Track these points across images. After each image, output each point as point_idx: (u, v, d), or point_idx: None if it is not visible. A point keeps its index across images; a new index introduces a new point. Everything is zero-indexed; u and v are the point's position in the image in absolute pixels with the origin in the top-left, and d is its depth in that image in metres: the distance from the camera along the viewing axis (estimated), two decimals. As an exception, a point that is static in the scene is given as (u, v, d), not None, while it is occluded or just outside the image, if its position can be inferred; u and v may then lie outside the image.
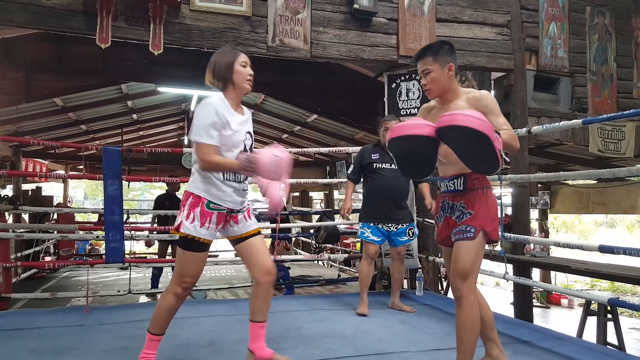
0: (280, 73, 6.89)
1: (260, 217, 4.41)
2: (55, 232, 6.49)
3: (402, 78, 4.66)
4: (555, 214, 12.46)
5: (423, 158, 1.93)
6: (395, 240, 3.65)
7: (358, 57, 4.26)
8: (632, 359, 2.55)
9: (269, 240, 6.02)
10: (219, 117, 2.03)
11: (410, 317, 3.37)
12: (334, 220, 5.89)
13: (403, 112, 4.62)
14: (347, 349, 2.58)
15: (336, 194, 12.69)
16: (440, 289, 5.14)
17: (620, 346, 3.34)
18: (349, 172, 3.89)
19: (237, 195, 2.12)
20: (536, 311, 7.41)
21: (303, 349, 2.56)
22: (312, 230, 6.93)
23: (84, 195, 27.34)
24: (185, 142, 10.87)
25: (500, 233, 3.06)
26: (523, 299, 4.40)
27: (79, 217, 11.17)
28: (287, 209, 7.42)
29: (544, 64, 5.01)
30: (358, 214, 3.95)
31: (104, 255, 3.94)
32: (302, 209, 10.53)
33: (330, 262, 9.04)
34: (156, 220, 6.08)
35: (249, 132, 2.19)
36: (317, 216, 8.24)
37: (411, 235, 3.70)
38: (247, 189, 2.21)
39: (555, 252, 5.40)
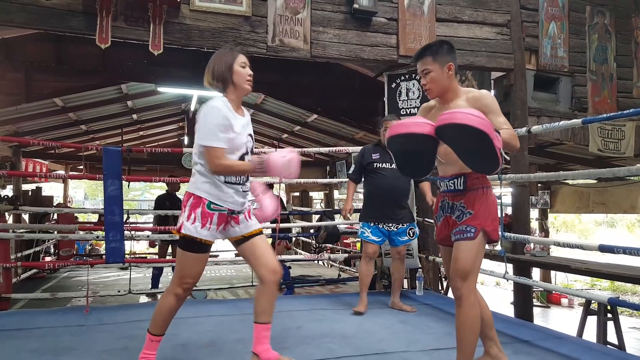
0: (280, 73, 6.90)
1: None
2: (55, 232, 6.49)
3: (402, 78, 4.67)
4: (556, 213, 12.46)
5: (422, 157, 1.93)
6: (396, 240, 3.65)
7: (358, 57, 4.26)
8: (632, 359, 2.55)
9: (269, 240, 6.02)
10: (225, 120, 2.04)
11: (410, 317, 3.38)
12: (334, 220, 5.89)
13: (403, 111, 4.63)
14: (347, 348, 2.58)
15: (336, 194, 12.69)
16: (440, 288, 5.14)
17: (621, 345, 3.34)
18: (350, 172, 3.90)
19: (238, 196, 2.11)
20: (536, 311, 7.41)
21: (303, 349, 2.56)
22: (312, 230, 6.93)
23: (84, 195, 27.34)
24: (185, 142, 10.87)
25: (500, 233, 3.06)
26: (523, 299, 4.40)
27: (79, 217, 11.17)
28: (287, 209, 7.43)
29: (543, 63, 5.01)
30: (359, 214, 3.96)
31: (104, 256, 3.95)
32: (302, 208, 10.53)
33: (331, 262, 9.04)
34: (153, 220, 6.09)
35: (250, 134, 2.20)
36: (317, 216, 8.25)
37: (411, 235, 3.70)
38: (247, 190, 2.20)
39: (555, 252, 5.40)
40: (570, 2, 5.20)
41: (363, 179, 3.77)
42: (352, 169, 3.87)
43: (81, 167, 11.48)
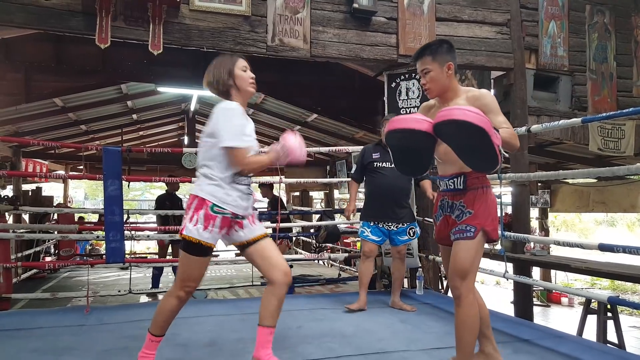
0: (280, 73, 6.90)
1: (260, 217, 4.40)
2: (56, 232, 6.49)
3: (402, 77, 4.67)
4: (556, 212, 12.47)
5: (420, 154, 1.93)
6: (396, 239, 3.66)
7: (358, 56, 4.26)
8: (632, 358, 2.55)
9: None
10: (243, 120, 2.05)
11: (410, 316, 3.38)
12: (334, 220, 5.89)
13: (403, 111, 4.63)
14: (348, 348, 2.58)
15: (336, 194, 12.69)
16: (440, 288, 5.14)
17: (620, 344, 3.34)
18: (351, 172, 3.91)
19: (241, 200, 2.10)
20: (536, 310, 7.41)
21: (303, 348, 2.56)
22: (312, 230, 6.93)
23: (84, 195, 27.35)
24: (185, 142, 10.87)
25: (500, 232, 3.06)
26: (523, 298, 4.40)
27: (84, 217, 11.17)
28: (287, 208, 7.43)
29: (543, 62, 5.01)
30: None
31: (104, 256, 3.95)
32: (302, 208, 10.53)
33: (331, 262, 9.04)
34: (156, 219, 6.11)
35: (255, 138, 2.22)
36: (318, 216, 8.26)
37: (412, 234, 3.70)
38: (251, 194, 2.19)
39: (555, 251, 5.41)
40: (570, 1, 5.19)
41: (364, 179, 3.78)
42: (353, 168, 3.88)
43: (81, 167, 11.48)
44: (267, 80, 6.64)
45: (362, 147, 3.98)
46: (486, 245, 2.14)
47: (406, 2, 4.37)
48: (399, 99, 4.66)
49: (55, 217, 8.13)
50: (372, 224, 3.65)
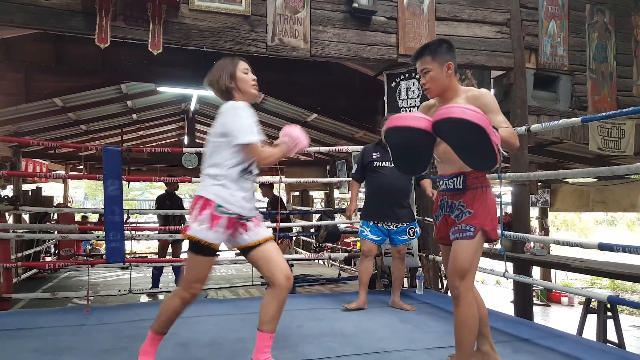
0: (279, 72, 6.90)
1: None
2: (56, 232, 6.50)
3: (402, 77, 4.66)
4: (556, 212, 12.48)
5: (418, 152, 1.93)
6: (395, 239, 3.66)
7: (358, 56, 4.26)
8: (632, 357, 2.55)
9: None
10: (253, 117, 2.06)
11: (410, 316, 3.38)
12: (334, 220, 5.89)
13: (403, 110, 4.62)
14: (348, 347, 2.58)
15: (336, 193, 12.69)
16: (440, 287, 5.14)
17: (620, 344, 3.34)
18: (352, 172, 3.91)
19: (245, 202, 2.10)
20: (536, 309, 7.41)
21: (304, 348, 2.56)
22: (312, 230, 6.93)
23: (84, 195, 27.36)
24: (185, 141, 10.88)
25: (500, 231, 3.07)
26: (523, 297, 4.40)
27: (77, 218, 11.16)
28: (287, 208, 7.43)
29: (543, 62, 5.01)
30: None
31: (104, 255, 3.95)
32: (302, 208, 10.53)
33: (331, 261, 9.04)
34: (157, 219, 6.11)
35: None
36: (318, 215, 8.25)
37: (411, 234, 3.70)
38: (253, 195, 2.20)
39: (555, 250, 5.41)
40: (570, 0, 5.20)
41: (365, 178, 3.79)
42: (354, 168, 3.89)
43: (81, 167, 11.48)
44: (267, 80, 6.63)
45: (362, 146, 3.98)
46: (486, 245, 2.14)
47: (406, 1, 4.37)
48: (399, 99, 4.66)
49: (56, 217, 8.14)
50: (371, 224, 3.65)
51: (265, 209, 6.93)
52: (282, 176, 4.66)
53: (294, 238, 8.78)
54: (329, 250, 9.50)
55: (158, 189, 19.84)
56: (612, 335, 3.39)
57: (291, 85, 7.26)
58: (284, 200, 8.29)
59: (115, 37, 3.65)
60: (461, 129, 1.68)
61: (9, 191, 9.77)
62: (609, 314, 3.39)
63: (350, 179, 4.02)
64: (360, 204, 3.97)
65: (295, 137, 2.12)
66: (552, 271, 9.91)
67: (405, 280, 4.47)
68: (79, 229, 5.16)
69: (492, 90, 4.99)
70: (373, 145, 3.82)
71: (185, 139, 10.92)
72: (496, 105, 2.00)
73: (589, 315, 3.61)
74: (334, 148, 5.41)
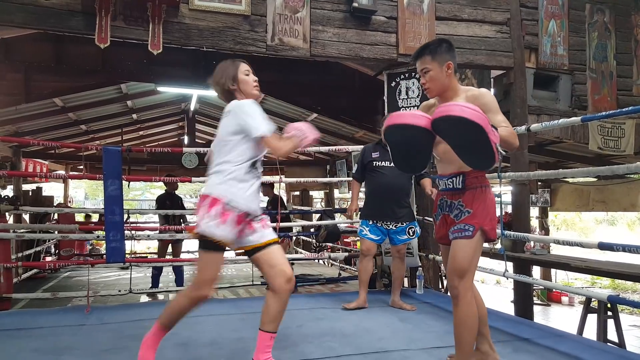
0: (279, 72, 6.89)
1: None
2: (56, 232, 6.50)
3: (402, 76, 4.66)
4: (556, 211, 12.48)
5: (418, 151, 1.93)
6: (395, 238, 3.66)
7: (357, 55, 4.26)
8: (633, 356, 2.55)
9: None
10: (262, 112, 2.08)
11: (410, 315, 3.38)
12: (334, 219, 5.89)
13: (403, 110, 4.63)
14: (348, 347, 2.58)
15: (336, 193, 12.69)
16: (440, 287, 5.14)
17: (621, 343, 3.35)
18: (353, 171, 3.91)
19: (252, 199, 2.11)
20: (536, 309, 7.41)
21: (304, 347, 2.56)
22: (312, 229, 6.93)
23: (85, 195, 27.37)
24: (185, 141, 10.87)
25: (500, 231, 3.06)
26: (523, 297, 4.40)
27: (80, 217, 11.18)
28: (287, 208, 7.43)
29: (543, 61, 5.01)
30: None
31: (104, 255, 3.95)
32: (302, 207, 10.53)
33: (331, 261, 9.04)
34: (159, 219, 6.11)
35: None
36: (318, 215, 8.25)
37: (411, 234, 3.70)
38: (259, 196, 2.20)
39: (556, 250, 5.41)
40: (570, 0, 5.19)
41: (365, 178, 3.79)
42: (354, 168, 3.89)
43: (81, 167, 11.49)
44: (266, 79, 6.59)
45: (362, 146, 3.98)
46: (486, 245, 2.14)
47: (406, 1, 4.37)
48: (399, 98, 4.66)
49: (56, 217, 8.14)
50: (371, 223, 3.65)
51: (265, 208, 6.93)
52: (282, 176, 4.66)
53: (294, 238, 8.78)
54: (329, 250, 9.50)
55: (158, 188, 19.85)
56: (612, 334, 3.39)
57: (291, 85, 7.26)
58: (284, 200, 8.29)
59: (115, 37, 3.65)
60: (460, 127, 1.68)
61: (9, 191, 9.77)
62: (610, 313, 3.40)
63: (350, 178, 4.02)
64: (361, 204, 3.97)
65: (304, 130, 2.11)
66: (553, 271, 9.91)
67: (406, 279, 4.47)
68: (79, 229, 5.16)
69: (492, 89, 4.99)
70: (373, 144, 3.82)
71: (185, 139, 10.92)
72: (496, 105, 2.00)
73: (589, 315, 3.61)
74: (334, 148, 5.41)
